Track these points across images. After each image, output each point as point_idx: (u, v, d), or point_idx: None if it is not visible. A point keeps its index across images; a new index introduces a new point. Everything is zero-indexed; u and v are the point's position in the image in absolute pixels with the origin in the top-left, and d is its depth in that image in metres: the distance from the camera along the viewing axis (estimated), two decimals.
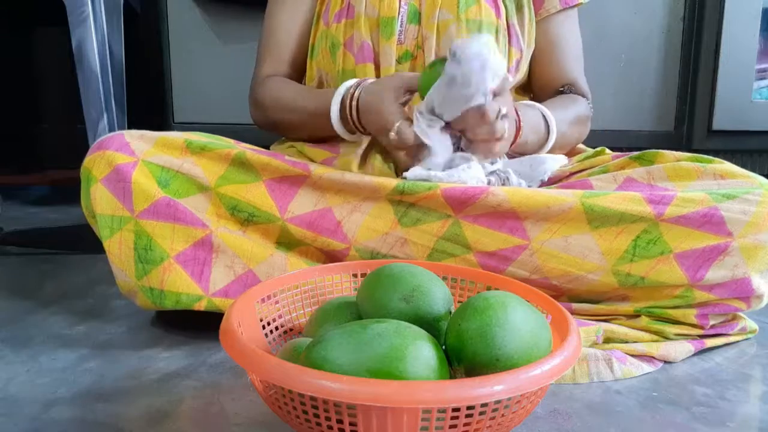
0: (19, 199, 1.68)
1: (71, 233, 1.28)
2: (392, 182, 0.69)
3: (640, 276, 0.65)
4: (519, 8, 0.87)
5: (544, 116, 0.81)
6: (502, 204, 0.66)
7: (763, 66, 1.61)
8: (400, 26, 0.84)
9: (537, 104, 0.82)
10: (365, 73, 0.84)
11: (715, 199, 0.64)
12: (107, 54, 1.24)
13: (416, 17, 0.84)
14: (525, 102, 0.84)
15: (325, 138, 0.83)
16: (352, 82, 0.79)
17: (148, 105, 1.62)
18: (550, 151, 0.83)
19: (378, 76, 0.84)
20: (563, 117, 0.84)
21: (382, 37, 0.83)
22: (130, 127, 0.90)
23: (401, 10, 0.84)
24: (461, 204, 0.67)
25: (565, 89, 0.91)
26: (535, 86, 0.94)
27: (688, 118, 1.65)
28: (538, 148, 0.82)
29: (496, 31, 0.84)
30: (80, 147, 0.90)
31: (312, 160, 0.83)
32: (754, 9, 1.57)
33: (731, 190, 0.65)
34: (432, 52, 0.83)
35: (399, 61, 0.85)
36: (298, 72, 0.95)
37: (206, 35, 1.56)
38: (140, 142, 0.70)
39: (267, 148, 0.85)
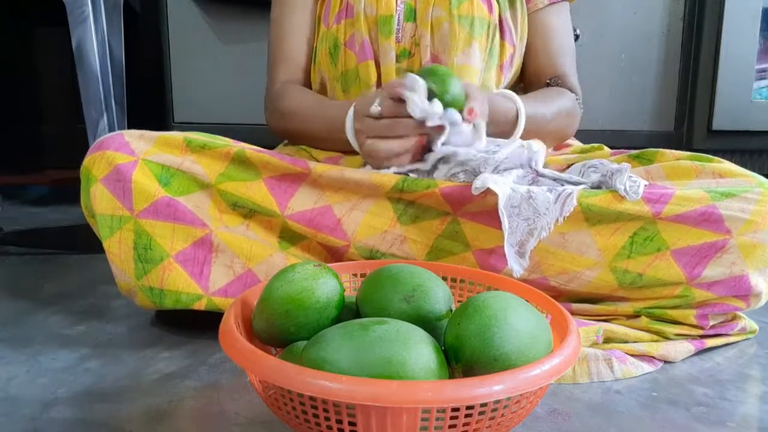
0: (19, 199, 1.68)
1: (71, 233, 1.28)
2: (392, 180, 0.69)
3: (638, 273, 0.65)
4: (512, 3, 0.89)
5: (515, 104, 0.81)
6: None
7: (763, 66, 1.61)
8: (398, 24, 0.85)
9: (509, 93, 0.82)
10: (367, 72, 0.85)
11: (713, 197, 0.64)
12: (107, 54, 1.24)
13: (412, 15, 0.85)
14: (499, 91, 0.84)
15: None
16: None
17: (148, 105, 1.62)
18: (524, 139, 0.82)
19: (379, 74, 0.85)
20: (540, 108, 0.83)
21: (381, 35, 0.84)
22: (130, 127, 0.90)
23: (398, 8, 0.85)
24: (459, 202, 0.67)
25: (552, 82, 0.91)
26: (526, 80, 0.96)
27: (688, 118, 1.65)
28: (507, 135, 0.81)
29: (488, 27, 0.85)
30: (80, 147, 0.90)
31: (315, 159, 0.83)
32: (754, 9, 1.57)
33: (730, 188, 0.65)
34: (427, 51, 0.84)
35: (398, 60, 0.85)
36: (309, 77, 0.94)
37: (206, 35, 1.56)
38: (140, 141, 0.70)
39: (270, 149, 0.85)
